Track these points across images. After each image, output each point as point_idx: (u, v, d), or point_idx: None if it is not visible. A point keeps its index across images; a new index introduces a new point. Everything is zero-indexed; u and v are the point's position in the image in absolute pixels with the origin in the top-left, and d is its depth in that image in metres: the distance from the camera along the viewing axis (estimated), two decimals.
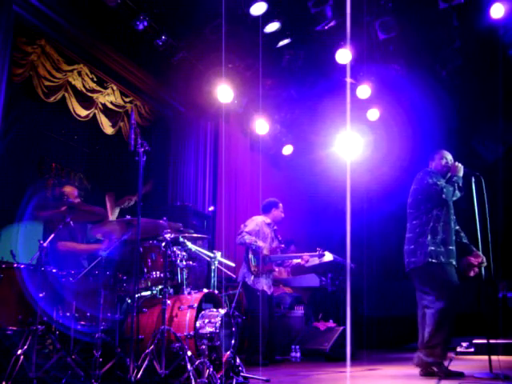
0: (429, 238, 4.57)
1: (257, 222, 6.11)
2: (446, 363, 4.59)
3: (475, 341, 6.89)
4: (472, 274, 4.66)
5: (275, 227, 6.25)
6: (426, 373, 4.47)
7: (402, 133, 8.75)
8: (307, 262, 6.22)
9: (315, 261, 6.54)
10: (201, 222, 7.10)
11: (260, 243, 5.93)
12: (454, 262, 4.59)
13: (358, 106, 8.41)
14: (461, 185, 4.69)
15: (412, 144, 8.59)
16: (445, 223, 4.63)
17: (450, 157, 4.91)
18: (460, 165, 4.77)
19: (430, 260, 4.51)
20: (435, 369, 4.41)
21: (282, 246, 6.21)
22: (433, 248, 4.54)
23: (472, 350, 6.85)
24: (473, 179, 4.72)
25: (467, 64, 7.96)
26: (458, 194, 4.67)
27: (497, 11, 6.79)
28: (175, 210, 6.91)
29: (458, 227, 4.85)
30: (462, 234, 4.85)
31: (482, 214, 4.61)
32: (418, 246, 4.62)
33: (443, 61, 7.95)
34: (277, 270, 6.38)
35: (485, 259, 4.64)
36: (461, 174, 4.72)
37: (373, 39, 7.19)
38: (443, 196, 4.60)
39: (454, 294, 4.51)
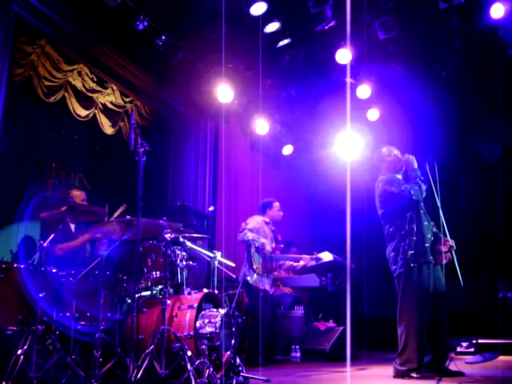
0: (407, 241, 4.54)
1: (257, 220, 6.12)
2: (446, 362, 4.59)
3: (475, 341, 6.89)
4: (445, 261, 4.60)
5: (273, 228, 6.26)
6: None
7: (402, 133, 8.74)
8: (307, 264, 6.24)
9: (312, 263, 6.56)
10: (201, 222, 7.10)
11: (262, 240, 5.94)
12: (431, 257, 4.54)
13: (358, 105, 8.41)
14: (421, 177, 4.64)
15: (412, 144, 8.57)
16: (418, 222, 4.59)
17: (396, 151, 4.84)
18: (412, 156, 4.72)
19: (411, 265, 4.48)
20: (413, 375, 4.36)
21: (281, 246, 6.22)
22: (412, 251, 4.50)
23: (472, 349, 6.84)
24: (427, 165, 4.67)
25: (467, 64, 7.96)
26: (424, 187, 4.63)
27: (497, 11, 6.78)
28: (175, 210, 6.91)
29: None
30: (432, 223, 4.78)
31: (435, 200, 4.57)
32: (399, 252, 4.58)
33: (443, 61, 7.94)
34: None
35: (454, 243, 4.60)
36: (416, 165, 4.68)
37: (373, 39, 7.18)
38: (414, 198, 4.56)
39: (429, 298, 4.46)
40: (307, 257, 6.18)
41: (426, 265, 4.51)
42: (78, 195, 4.86)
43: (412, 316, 4.44)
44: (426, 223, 4.63)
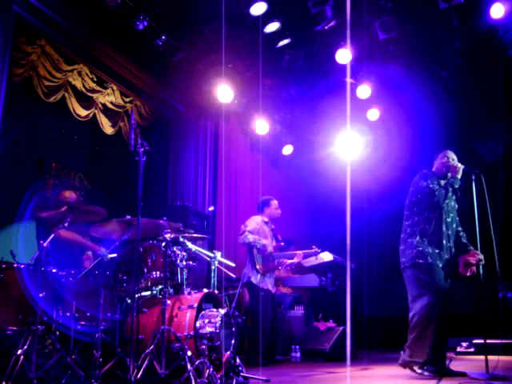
0: (417, 238, 4.56)
1: (256, 221, 6.11)
2: (446, 362, 4.59)
3: (475, 341, 6.89)
4: (468, 273, 4.61)
5: (273, 226, 6.26)
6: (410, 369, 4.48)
7: (402, 133, 8.75)
8: (302, 258, 6.21)
9: (313, 260, 6.53)
10: (201, 222, 7.10)
11: (264, 241, 5.94)
12: (441, 265, 4.53)
13: (358, 105, 8.41)
14: (456, 186, 4.64)
15: (412, 144, 8.59)
16: (436, 226, 4.59)
17: (453, 156, 4.85)
18: (460, 165, 4.70)
19: (416, 261, 4.50)
20: (415, 369, 4.39)
21: (282, 244, 6.22)
22: (420, 249, 4.52)
23: (472, 350, 6.85)
24: (473, 177, 4.66)
25: (467, 64, 7.96)
26: (450, 195, 4.64)
27: (497, 11, 6.79)
28: (175, 210, 6.91)
29: (459, 228, 4.81)
30: (462, 234, 4.80)
31: (483, 212, 4.55)
32: (407, 246, 4.62)
33: (443, 61, 7.95)
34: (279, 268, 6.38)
35: (483, 257, 4.59)
36: (459, 175, 4.66)
37: (373, 39, 7.19)
38: (435, 199, 4.56)
39: (441, 296, 4.46)
40: (300, 253, 6.17)
41: (436, 266, 4.51)
42: (67, 196, 4.90)
43: (423, 311, 4.44)
44: (446, 232, 4.61)
